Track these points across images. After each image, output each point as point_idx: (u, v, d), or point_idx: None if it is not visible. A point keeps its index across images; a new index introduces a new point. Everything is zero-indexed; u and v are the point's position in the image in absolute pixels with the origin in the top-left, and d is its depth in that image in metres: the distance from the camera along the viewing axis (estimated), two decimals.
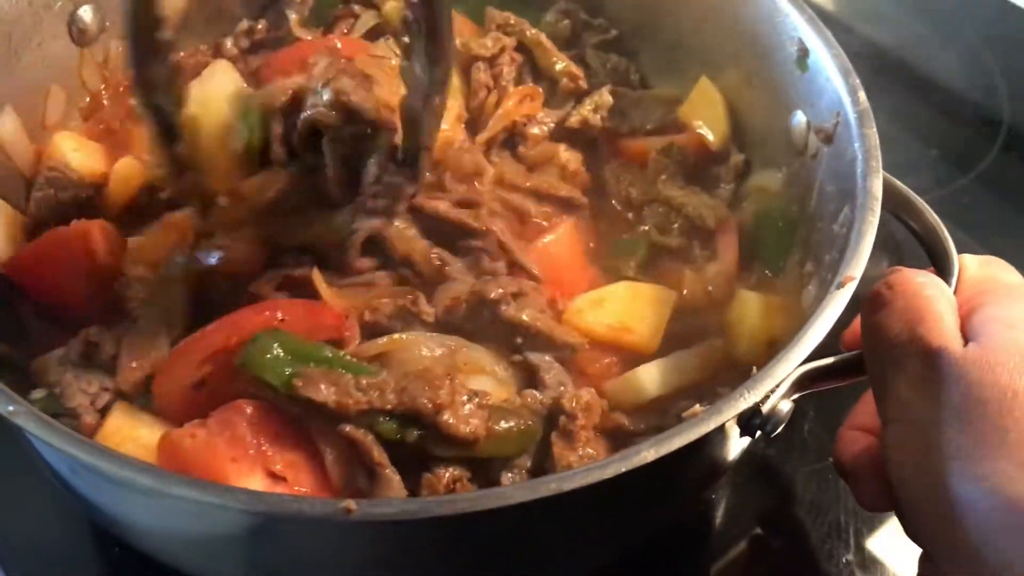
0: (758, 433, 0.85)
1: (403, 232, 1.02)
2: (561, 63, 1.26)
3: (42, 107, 1.16)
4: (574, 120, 1.22)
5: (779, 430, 0.85)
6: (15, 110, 1.11)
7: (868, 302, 0.85)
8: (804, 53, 1.07)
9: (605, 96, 1.23)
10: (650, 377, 0.98)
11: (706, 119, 1.22)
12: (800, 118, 1.09)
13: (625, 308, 1.05)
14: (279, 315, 0.91)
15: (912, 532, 0.83)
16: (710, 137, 1.21)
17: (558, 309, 1.04)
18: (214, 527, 0.78)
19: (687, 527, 1.10)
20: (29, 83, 1.13)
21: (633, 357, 1.03)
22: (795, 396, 0.86)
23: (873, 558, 1.06)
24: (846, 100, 1.01)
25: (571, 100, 1.25)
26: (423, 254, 1.02)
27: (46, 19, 1.13)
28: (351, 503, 0.69)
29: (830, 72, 1.04)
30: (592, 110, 1.22)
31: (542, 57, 1.27)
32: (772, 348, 0.98)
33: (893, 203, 0.97)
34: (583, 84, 1.25)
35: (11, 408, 0.73)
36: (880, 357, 0.83)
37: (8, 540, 1.01)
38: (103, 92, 1.22)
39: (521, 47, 1.27)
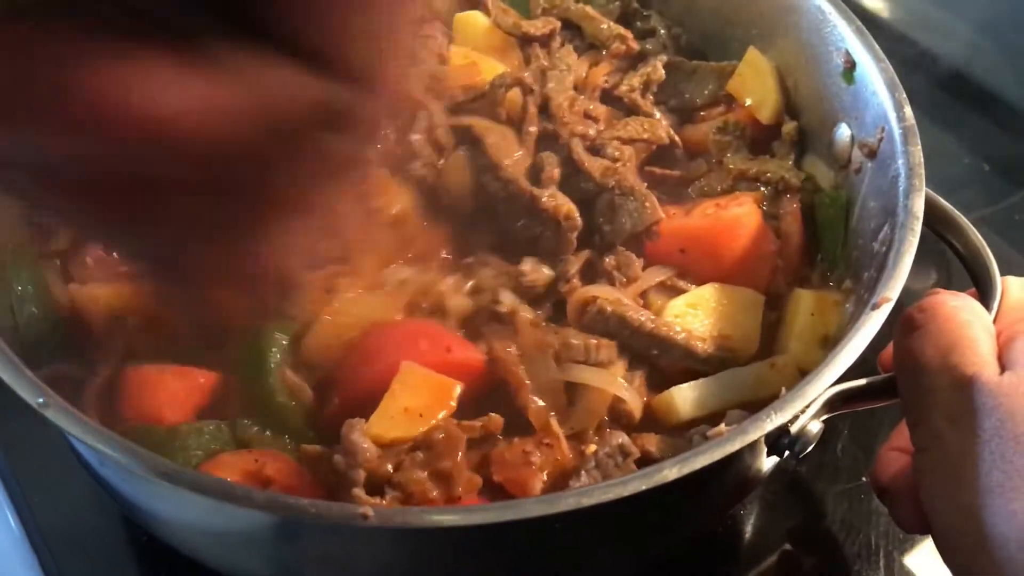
0: (786, 453, 0.84)
1: None
2: (606, 25, 1.23)
3: None
4: (624, 88, 1.18)
5: (808, 450, 0.84)
6: None
7: (901, 326, 0.83)
8: (851, 65, 1.05)
9: (659, 70, 1.19)
10: (684, 399, 0.94)
11: (756, 91, 1.18)
12: (844, 131, 1.07)
13: (721, 314, 1.01)
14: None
15: (945, 559, 0.82)
16: (763, 111, 1.17)
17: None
18: (235, 525, 0.78)
19: (715, 540, 1.08)
20: None
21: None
22: (825, 416, 0.85)
23: None
24: (892, 115, 0.98)
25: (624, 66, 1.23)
26: None
27: None
28: (368, 509, 0.69)
29: (877, 86, 1.01)
30: (643, 84, 1.18)
31: (589, 27, 1.24)
32: (826, 346, 0.96)
33: (936, 221, 0.95)
34: (633, 44, 1.22)
35: (41, 400, 0.74)
36: (912, 383, 0.81)
37: (40, 525, 1.02)
38: None
39: (568, 25, 1.25)
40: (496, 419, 0.89)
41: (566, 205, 1.01)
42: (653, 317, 0.98)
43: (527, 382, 0.92)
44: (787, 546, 1.09)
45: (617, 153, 1.08)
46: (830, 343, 0.96)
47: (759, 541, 1.09)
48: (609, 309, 0.97)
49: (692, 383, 0.95)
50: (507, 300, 0.98)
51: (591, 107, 1.14)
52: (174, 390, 0.94)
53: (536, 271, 1.00)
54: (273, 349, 0.93)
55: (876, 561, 1.05)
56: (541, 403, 0.92)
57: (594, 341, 0.95)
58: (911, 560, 1.05)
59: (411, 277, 0.99)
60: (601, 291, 0.99)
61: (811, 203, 1.09)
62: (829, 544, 1.08)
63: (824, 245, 1.07)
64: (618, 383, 0.94)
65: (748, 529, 1.10)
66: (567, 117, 1.09)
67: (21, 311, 0.99)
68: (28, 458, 1.07)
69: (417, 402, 0.87)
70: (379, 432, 0.85)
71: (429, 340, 0.92)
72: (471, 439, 0.88)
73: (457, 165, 1.06)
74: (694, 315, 1.00)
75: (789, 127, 1.15)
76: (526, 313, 0.97)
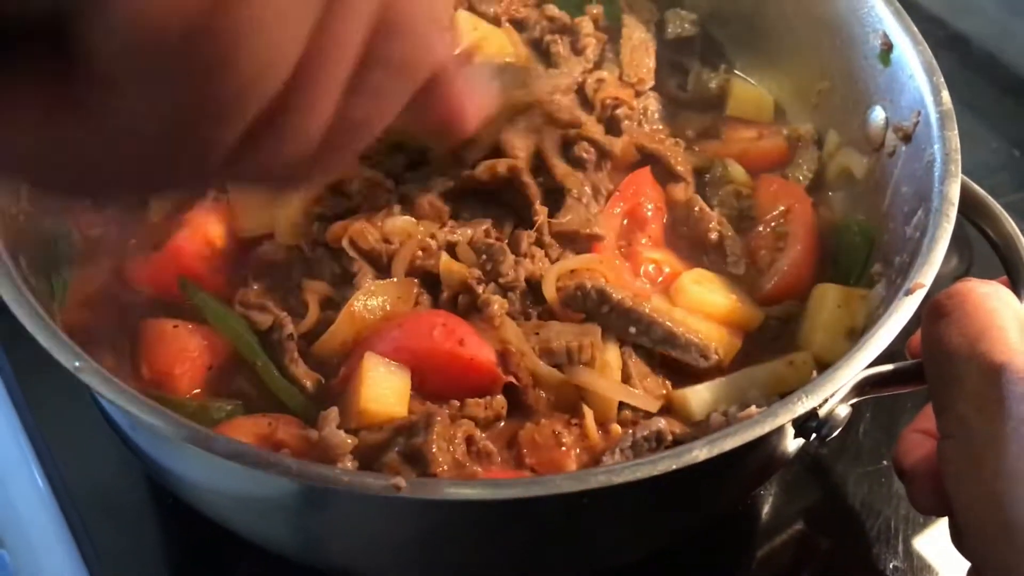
0: (813, 436, 0.84)
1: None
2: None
3: None
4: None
5: (835, 434, 0.84)
6: None
7: (929, 312, 0.83)
8: (888, 47, 1.04)
9: (652, 103, 1.20)
10: (699, 400, 0.94)
11: (752, 112, 1.22)
12: (879, 114, 1.07)
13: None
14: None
15: (963, 547, 0.82)
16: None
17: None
18: (264, 492, 0.79)
19: (732, 519, 1.09)
20: None
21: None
22: (853, 400, 0.85)
23: (923, 564, 1.04)
24: (928, 99, 0.98)
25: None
26: None
27: None
28: (400, 480, 0.69)
29: (914, 69, 1.01)
30: (642, 115, 1.19)
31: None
32: (852, 338, 0.96)
33: (969, 207, 0.94)
34: None
35: (77, 364, 0.75)
36: (939, 370, 0.81)
37: (67, 485, 1.04)
38: None
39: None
40: (500, 399, 0.91)
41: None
42: (633, 296, 0.98)
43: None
44: (802, 527, 1.09)
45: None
46: (856, 335, 0.95)
47: (776, 521, 1.09)
48: (589, 285, 0.96)
49: (707, 383, 0.95)
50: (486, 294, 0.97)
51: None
52: (188, 347, 0.95)
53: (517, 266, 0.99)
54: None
55: (895, 545, 1.05)
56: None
57: (575, 343, 0.94)
58: (930, 544, 1.06)
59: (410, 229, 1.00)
60: (580, 262, 0.99)
61: (845, 224, 1.09)
62: (847, 526, 1.09)
63: (838, 268, 1.07)
64: (625, 391, 0.94)
65: (766, 509, 1.10)
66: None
67: (56, 271, 1.00)
68: (56, 418, 1.08)
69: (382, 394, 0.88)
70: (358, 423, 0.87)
71: (443, 330, 0.92)
72: (486, 419, 0.89)
73: None
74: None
75: (795, 129, 1.17)
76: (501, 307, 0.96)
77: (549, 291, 0.97)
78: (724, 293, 1.03)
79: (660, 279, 1.06)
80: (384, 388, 0.88)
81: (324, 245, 1.00)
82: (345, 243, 0.98)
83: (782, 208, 1.11)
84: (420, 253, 0.98)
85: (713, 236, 1.09)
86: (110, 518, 1.03)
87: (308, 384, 0.93)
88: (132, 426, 0.84)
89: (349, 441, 0.84)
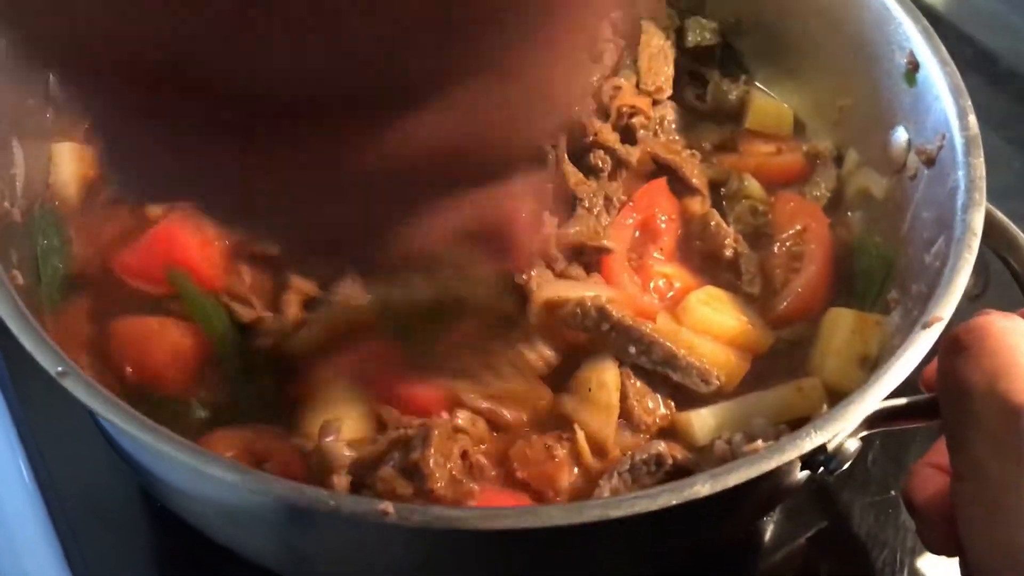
0: (820, 470, 0.81)
1: None
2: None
3: None
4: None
5: (844, 467, 0.81)
6: None
7: (946, 345, 0.80)
8: (914, 67, 1.01)
9: (669, 113, 1.18)
10: (703, 425, 0.91)
11: (772, 126, 1.19)
12: (901, 135, 1.03)
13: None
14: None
15: None
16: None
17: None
18: (249, 507, 0.77)
19: (731, 546, 1.06)
20: None
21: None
22: (863, 434, 0.82)
23: None
24: (954, 123, 0.94)
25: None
26: None
27: None
28: (388, 506, 0.67)
29: (940, 91, 0.97)
30: (658, 125, 1.17)
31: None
32: (865, 366, 0.94)
33: (991, 236, 0.91)
34: None
35: (60, 369, 0.73)
36: (955, 407, 0.78)
37: (56, 485, 1.01)
38: None
39: None
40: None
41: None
42: (634, 316, 0.95)
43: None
44: (805, 553, 1.07)
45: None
46: (869, 364, 0.93)
47: (777, 546, 1.06)
48: (589, 303, 0.94)
49: (712, 408, 0.92)
50: None
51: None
52: (175, 345, 0.94)
53: None
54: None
55: None
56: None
57: None
58: None
59: None
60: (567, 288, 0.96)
61: (853, 247, 1.07)
62: (851, 555, 1.06)
63: (853, 292, 1.04)
64: (611, 426, 0.91)
65: (767, 534, 1.07)
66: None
67: (45, 265, 0.98)
68: (47, 419, 1.05)
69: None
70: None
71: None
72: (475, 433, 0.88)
73: None
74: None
75: (824, 147, 1.14)
76: None
77: (534, 315, 0.95)
78: (734, 314, 1.00)
79: (670, 294, 1.04)
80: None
81: None
82: None
83: (799, 227, 1.08)
84: None
85: (728, 252, 1.06)
86: (98, 521, 1.00)
87: (270, 386, 0.92)
88: (118, 432, 0.82)
89: (347, 453, 0.83)
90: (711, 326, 0.99)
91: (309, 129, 0.43)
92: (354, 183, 0.46)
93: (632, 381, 0.93)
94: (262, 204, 0.48)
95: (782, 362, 1.00)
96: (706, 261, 1.07)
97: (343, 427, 0.86)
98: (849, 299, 1.03)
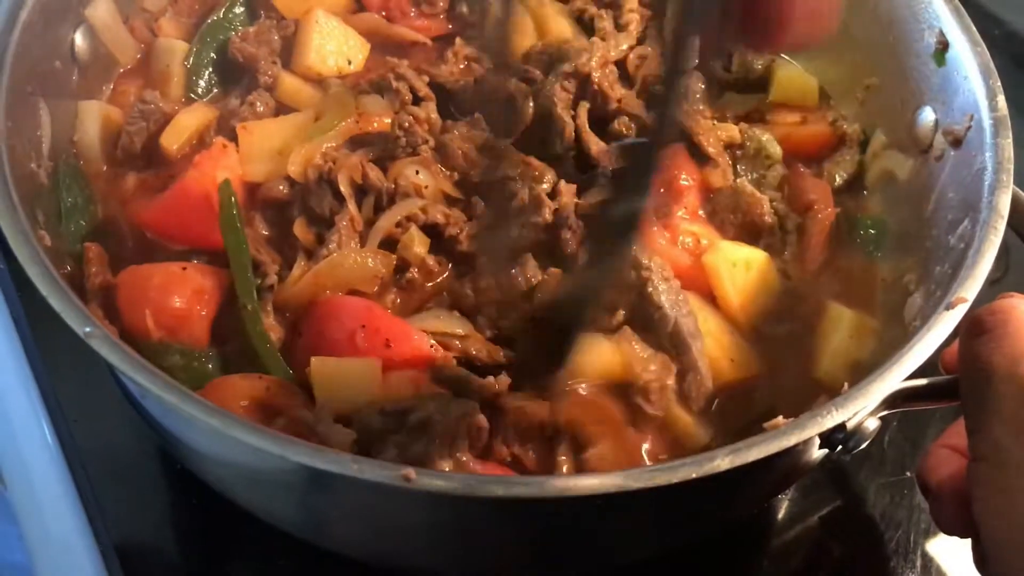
0: (839, 448, 0.81)
1: None
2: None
3: None
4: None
5: (862, 447, 0.82)
6: None
7: (969, 327, 0.80)
8: (944, 46, 1.00)
9: (694, 82, 1.17)
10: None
11: (797, 97, 1.18)
12: (928, 115, 1.03)
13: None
14: None
15: (986, 571, 0.80)
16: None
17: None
18: (270, 469, 0.77)
19: (746, 523, 1.07)
20: None
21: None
22: (883, 413, 0.82)
23: None
24: (983, 103, 0.94)
25: None
26: None
27: None
28: (410, 471, 0.67)
29: (969, 70, 0.96)
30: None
31: None
32: (856, 372, 0.94)
33: (1018, 220, 0.90)
34: None
35: (87, 330, 0.73)
36: (976, 389, 0.78)
37: (77, 445, 1.02)
38: None
39: None
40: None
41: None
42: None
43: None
44: (818, 531, 1.07)
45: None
46: (861, 371, 0.92)
47: (791, 524, 1.07)
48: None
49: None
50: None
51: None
52: (201, 287, 0.95)
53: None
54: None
55: (913, 559, 1.03)
56: None
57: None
58: (950, 559, 1.03)
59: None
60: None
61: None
62: (865, 535, 1.06)
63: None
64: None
65: (781, 512, 1.08)
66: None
67: (68, 223, 0.98)
68: (70, 379, 1.06)
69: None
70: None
71: (364, 334, 0.91)
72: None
73: None
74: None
75: (852, 129, 1.14)
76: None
77: None
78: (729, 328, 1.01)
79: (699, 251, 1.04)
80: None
81: (328, 182, 0.99)
82: (342, 179, 0.98)
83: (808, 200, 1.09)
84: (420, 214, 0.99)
85: (769, 219, 1.06)
86: (117, 481, 1.02)
87: (274, 337, 0.93)
88: (141, 394, 0.82)
89: (345, 433, 0.83)
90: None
91: None
92: None
93: (633, 341, 0.96)
94: None
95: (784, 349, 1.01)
96: (741, 231, 1.07)
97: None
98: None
